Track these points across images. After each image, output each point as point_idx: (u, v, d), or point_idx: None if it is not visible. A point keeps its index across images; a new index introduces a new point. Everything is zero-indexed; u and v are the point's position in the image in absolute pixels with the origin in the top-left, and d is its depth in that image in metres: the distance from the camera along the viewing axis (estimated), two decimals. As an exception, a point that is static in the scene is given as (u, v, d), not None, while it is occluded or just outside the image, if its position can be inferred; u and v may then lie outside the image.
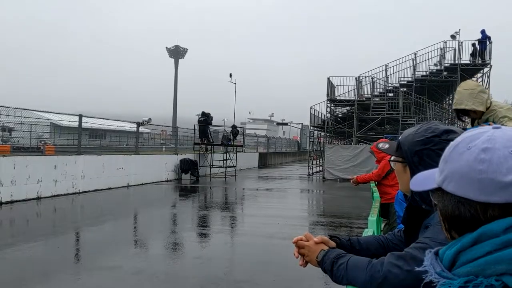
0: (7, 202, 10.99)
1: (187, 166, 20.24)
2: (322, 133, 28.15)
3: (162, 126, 29.71)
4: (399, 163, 1.50)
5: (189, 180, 20.03)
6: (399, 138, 1.51)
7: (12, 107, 13.96)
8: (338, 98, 24.60)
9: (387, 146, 1.67)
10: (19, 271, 5.91)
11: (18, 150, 20.76)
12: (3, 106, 12.34)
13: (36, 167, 12.03)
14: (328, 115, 25.24)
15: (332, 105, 25.35)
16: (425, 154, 1.38)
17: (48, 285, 5.42)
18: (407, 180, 1.44)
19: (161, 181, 18.61)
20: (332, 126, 25.43)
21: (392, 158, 1.54)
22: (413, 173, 1.41)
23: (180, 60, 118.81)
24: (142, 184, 17.02)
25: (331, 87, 24.28)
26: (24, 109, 15.58)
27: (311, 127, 26.55)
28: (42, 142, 24.99)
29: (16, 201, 11.27)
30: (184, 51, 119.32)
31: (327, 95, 24.10)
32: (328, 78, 24.03)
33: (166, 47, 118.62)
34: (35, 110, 17.01)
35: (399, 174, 1.52)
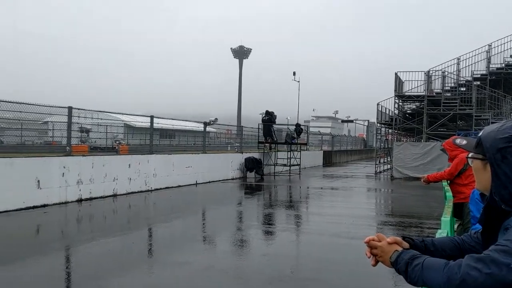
0: (86, 199, 11.76)
1: (252, 165, 20.52)
2: (390, 130, 27.32)
3: (227, 125, 30.31)
4: (478, 160, 1.46)
5: (254, 178, 20.29)
6: (480, 134, 1.46)
7: (89, 110, 14.89)
8: (406, 93, 23.77)
9: (464, 142, 1.63)
10: (98, 265, 6.31)
11: (95, 150, 22.10)
12: (82, 109, 13.19)
13: (112, 166, 12.76)
14: (396, 111, 24.45)
15: (400, 101, 24.53)
16: (508, 152, 1.34)
17: (125, 278, 5.73)
18: (486, 178, 1.40)
19: (227, 179, 19.01)
20: (401, 122, 24.59)
21: (471, 155, 1.50)
22: (494, 171, 1.37)
23: (244, 60, 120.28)
24: (209, 182, 17.49)
25: (399, 82, 23.50)
26: (100, 111, 16.57)
27: (378, 124, 25.87)
28: (117, 142, 26.43)
29: (95, 198, 12.03)
30: (248, 51, 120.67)
31: (395, 90, 23.35)
32: (396, 73, 23.28)
33: (231, 48, 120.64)
34: (110, 112, 18.04)
35: (477, 172, 1.47)
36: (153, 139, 15.27)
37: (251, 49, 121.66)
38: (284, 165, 22.91)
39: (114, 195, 12.72)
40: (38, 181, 10.35)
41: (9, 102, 10.83)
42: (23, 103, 11.04)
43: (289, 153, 22.97)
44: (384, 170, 26.25)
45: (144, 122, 15.84)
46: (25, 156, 10.78)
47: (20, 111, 11.02)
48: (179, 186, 15.64)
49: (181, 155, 16.96)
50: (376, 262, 1.58)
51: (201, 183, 16.94)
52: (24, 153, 12.99)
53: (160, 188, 14.68)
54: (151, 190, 14.28)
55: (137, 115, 18.82)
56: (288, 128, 26.37)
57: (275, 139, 23.27)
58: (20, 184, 9.95)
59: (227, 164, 19.55)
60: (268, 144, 22.85)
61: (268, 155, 22.60)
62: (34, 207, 10.17)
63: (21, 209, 9.88)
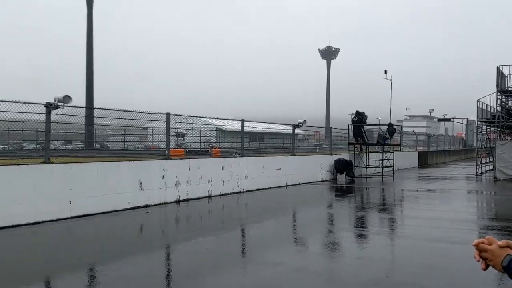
0: (184, 200, 12.42)
1: (342, 166, 20.21)
2: (492, 128, 25.33)
3: (316, 127, 30.15)
4: None
5: (345, 180, 19.96)
6: None
7: (185, 115, 15.70)
8: (510, 88, 21.89)
9: None
10: (196, 263, 6.65)
11: (190, 153, 23.22)
12: (178, 115, 13.94)
13: (206, 168, 13.35)
14: (499, 108, 22.60)
15: (504, 96, 22.64)
16: None
17: (220, 277, 5.97)
18: None
19: (316, 181, 18.93)
20: (504, 120, 22.69)
21: None
22: None
23: (332, 61, 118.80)
24: (298, 184, 17.55)
25: (501, 77, 21.71)
26: (195, 116, 17.38)
27: (479, 122, 24.13)
28: (210, 145, 27.56)
29: (191, 199, 12.67)
30: (336, 51, 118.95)
31: (497, 86, 21.61)
32: (498, 68, 21.54)
33: (319, 49, 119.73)
34: (203, 117, 18.89)
35: None
36: (244, 142, 15.69)
37: (339, 49, 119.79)
38: (376, 166, 22.24)
39: (209, 196, 13.29)
40: (141, 183, 11.16)
41: (115, 110, 11.82)
42: (127, 111, 11.97)
43: (381, 154, 22.27)
44: (486, 171, 24.39)
45: (236, 126, 16.34)
46: (129, 160, 11.66)
47: (124, 118, 11.95)
48: (270, 188, 15.89)
49: (271, 158, 17.23)
50: (487, 266, 1.52)
51: (291, 185, 17.05)
52: (127, 157, 14.08)
53: (252, 190, 15.03)
54: (243, 192, 14.68)
55: (228, 119, 19.52)
56: (380, 128, 25.56)
57: (366, 140, 22.70)
58: (126, 186, 10.80)
59: (317, 166, 19.46)
60: (359, 145, 22.35)
61: (358, 157, 22.11)
62: (137, 207, 10.97)
63: (126, 209, 10.71)
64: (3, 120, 10.32)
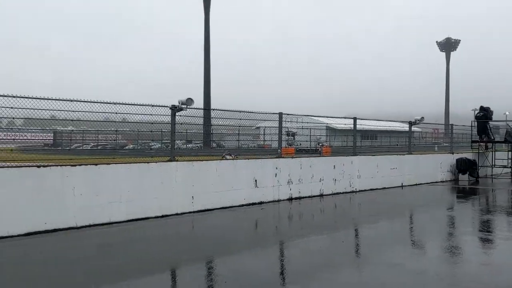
0: (296, 198, 12.60)
1: (464, 166, 18.78)
2: None
3: (434, 124, 28.39)
4: None
5: (468, 181, 18.51)
6: None
7: (296, 114, 15.88)
8: None
9: None
10: (309, 260, 6.72)
11: (300, 152, 23.39)
12: (289, 114, 14.16)
13: (318, 167, 13.38)
14: None
15: None
16: None
17: (335, 275, 5.97)
18: None
19: (435, 182, 17.85)
20: None
21: None
22: None
23: (452, 53, 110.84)
24: (415, 184, 16.72)
25: None
26: (305, 115, 17.48)
27: None
28: (320, 144, 27.49)
29: (303, 197, 12.80)
30: (456, 42, 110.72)
31: None
32: None
33: (436, 41, 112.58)
34: (314, 116, 18.86)
35: None
36: (356, 140, 15.40)
37: (459, 40, 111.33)
38: (504, 166, 20.29)
39: (321, 195, 13.30)
40: (256, 180, 11.58)
41: (230, 111, 12.40)
42: (241, 111, 12.49)
43: (509, 153, 20.24)
44: None
45: (347, 124, 16.11)
46: (245, 158, 12.16)
47: (240, 118, 12.48)
48: (384, 188, 15.39)
49: (385, 156, 16.65)
50: None
51: (407, 186, 16.31)
52: (241, 155, 14.65)
53: (364, 190, 14.70)
54: (355, 191, 14.42)
55: (339, 117, 19.29)
56: (507, 124, 23.24)
57: (492, 137, 20.79)
58: (242, 183, 11.29)
59: (436, 166, 18.35)
60: (484, 144, 20.57)
61: (483, 156, 20.36)
62: (252, 203, 11.41)
63: (243, 205, 11.20)
64: (134, 122, 11.46)
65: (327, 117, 20.29)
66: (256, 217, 10.56)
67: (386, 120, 20.76)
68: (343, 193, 14.01)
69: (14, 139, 10.46)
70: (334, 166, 13.92)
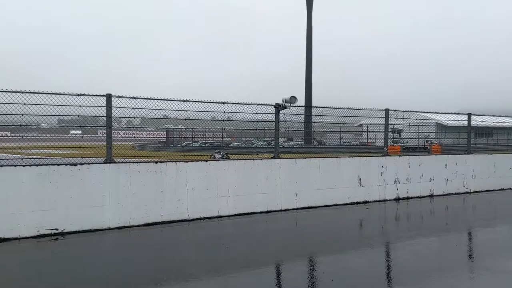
0: (403, 198, 12.10)
1: None
2: None
3: None
4: None
5: None
6: None
7: (402, 110, 15.21)
8: None
9: None
10: (418, 263, 6.43)
11: (407, 150, 22.37)
12: (396, 110, 13.61)
13: (427, 166, 12.71)
14: None
15: None
16: None
17: (449, 280, 5.65)
18: None
19: None
20: None
21: None
22: None
23: None
24: (540, 186, 15.11)
25: None
26: (413, 111, 16.69)
27: None
28: (428, 142, 26.05)
29: (411, 197, 12.25)
30: None
31: None
32: None
33: None
34: (422, 112, 17.96)
35: None
36: (470, 138, 14.33)
37: None
38: None
39: (431, 196, 12.62)
40: (360, 179, 11.35)
41: (332, 108, 12.26)
42: (345, 108, 12.29)
43: None
44: None
45: (459, 120, 15.05)
46: (348, 156, 11.97)
47: (344, 116, 12.30)
48: (502, 189, 14.14)
49: (504, 155, 15.26)
50: None
51: (530, 187, 14.80)
52: (345, 153, 14.44)
53: (480, 191, 13.64)
54: (469, 192, 13.44)
55: (450, 114, 18.05)
56: None
57: None
58: (345, 181, 11.14)
59: None
60: None
61: None
62: (356, 203, 11.20)
63: (346, 204, 11.05)
64: (238, 120, 11.82)
65: (437, 113, 19.19)
66: (360, 216, 10.35)
67: (506, 116, 18.95)
68: (455, 194, 13.14)
69: (134, 137, 11.44)
70: (445, 165, 13.11)
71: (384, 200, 11.72)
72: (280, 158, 10.48)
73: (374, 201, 11.52)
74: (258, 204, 9.82)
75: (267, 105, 10.43)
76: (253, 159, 10.10)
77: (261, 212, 9.80)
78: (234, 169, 9.65)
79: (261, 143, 21.46)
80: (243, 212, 9.60)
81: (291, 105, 10.14)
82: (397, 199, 11.96)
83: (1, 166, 7.40)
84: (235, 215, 9.47)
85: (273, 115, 10.50)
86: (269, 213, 9.89)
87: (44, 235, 7.48)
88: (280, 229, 9.01)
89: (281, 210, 10.09)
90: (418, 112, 19.05)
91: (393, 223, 10.05)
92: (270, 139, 18.58)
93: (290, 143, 23.83)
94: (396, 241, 7.99)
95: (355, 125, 21.78)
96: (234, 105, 10.13)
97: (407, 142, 24.09)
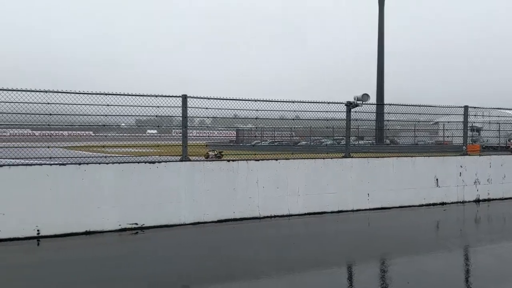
0: (483, 200, 11.43)
1: None
2: None
3: None
4: None
5: None
6: None
7: (482, 107, 14.35)
8: None
9: None
10: (503, 268, 6.05)
11: (486, 149, 21.06)
12: (477, 107, 12.88)
13: (510, 166, 11.88)
14: None
15: None
16: None
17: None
18: None
19: None
20: None
21: None
22: None
23: None
24: None
25: None
26: (493, 108, 15.71)
27: None
28: (511, 141, 24.32)
29: (493, 199, 11.54)
30: None
31: None
32: None
33: None
34: (504, 109, 16.82)
35: None
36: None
37: None
38: None
39: (514, 198, 11.80)
40: (437, 179, 10.86)
41: (406, 105, 11.83)
42: (420, 105, 11.82)
43: None
44: None
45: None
46: (424, 156, 11.50)
47: (420, 113, 11.83)
48: None
49: None
50: None
51: None
52: (419, 152, 13.87)
53: None
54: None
55: (537, 110, 16.68)
56: None
57: None
58: (421, 181, 10.72)
59: None
60: None
61: None
62: (433, 204, 10.74)
63: (422, 205, 10.63)
64: (307, 119, 11.72)
65: (519, 109, 17.83)
66: (437, 218, 9.91)
67: None
68: (542, 196, 12.17)
69: (209, 136, 11.79)
70: (531, 165, 12.18)
71: (463, 202, 11.13)
72: (352, 157, 10.31)
73: (452, 203, 10.98)
74: (329, 204, 9.73)
75: (338, 103, 10.30)
76: (323, 158, 10.02)
77: (331, 212, 9.71)
78: (304, 168, 9.63)
79: (330, 142, 21.19)
80: (313, 211, 9.55)
81: (363, 103, 9.93)
82: (477, 201, 11.31)
83: (87, 163, 7.94)
84: (305, 214, 9.45)
85: (343, 113, 10.35)
86: (340, 213, 9.77)
87: (125, 229, 7.93)
88: (352, 229, 8.86)
89: (352, 211, 9.93)
90: (500, 109, 17.88)
91: (473, 226, 9.53)
92: (340, 138, 18.30)
93: (361, 142, 23.27)
94: (476, 245, 7.57)
95: (430, 123, 20.89)
96: (303, 103, 10.10)
97: (487, 140, 22.67)
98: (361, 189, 10.05)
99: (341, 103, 10.24)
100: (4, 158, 8.30)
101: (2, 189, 7.32)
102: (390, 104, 11.88)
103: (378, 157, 10.52)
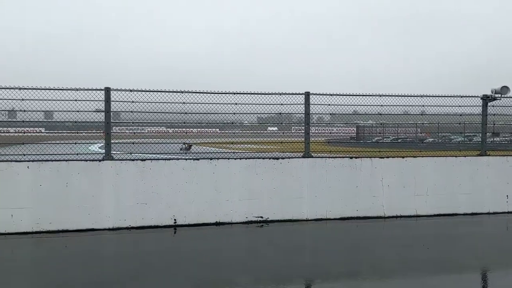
0: None
1: None
2: None
3: None
4: None
5: None
6: None
7: None
8: None
9: None
10: None
11: None
12: None
13: None
14: None
15: None
16: None
17: None
18: None
19: None
20: None
21: None
22: None
23: None
24: None
25: None
26: None
27: None
28: None
29: None
30: None
31: None
32: None
33: None
34: None
35: None
36: None
37: None
38: None
39: None
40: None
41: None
42: None
43: None
44: None
45: None
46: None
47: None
48: None
49: None
50: None
51: None
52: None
53: None
54: None
55: None
56: None
57: None
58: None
59: None
60: None
61: None
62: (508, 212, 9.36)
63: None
64: (433, 114, 10.97)
65: None
66: None
67: None
68: None
69: (330, 133, 11.77)
70: None
71: None
72: (488, 155, 9.47)
73: None
74: (461, 205, 9.06)
75: (472, 97, 9.52)
76: (456, 156, 9.35)
77: (464, 214, 9.03)
78: (434, 167, 9.10)
79: (461, 139, 19.61)
80: (443, 212, 8.98)
81: (502, 96, 9.05)
82: None
83: (217, 159, 8.46)
84: (434, 215, 8.93)
85: (478, 108, 9.55)
86: (474, 215, 9.04)
87: (251, 222, 8.29)
88: (489, 233, 8.17)
89: (488, 213, 9.13)
90: None
91: None
92: (471, 134, 16.84)
93: (496, 138, 21.14)
94: None
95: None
96: (429, 98, 9.49)
97: None
98: (498, 189, 9.19)
99: (476, 96, 9.45)
100: (140, 153, 9.24)
101: (151, 179, 8.09)
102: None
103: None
